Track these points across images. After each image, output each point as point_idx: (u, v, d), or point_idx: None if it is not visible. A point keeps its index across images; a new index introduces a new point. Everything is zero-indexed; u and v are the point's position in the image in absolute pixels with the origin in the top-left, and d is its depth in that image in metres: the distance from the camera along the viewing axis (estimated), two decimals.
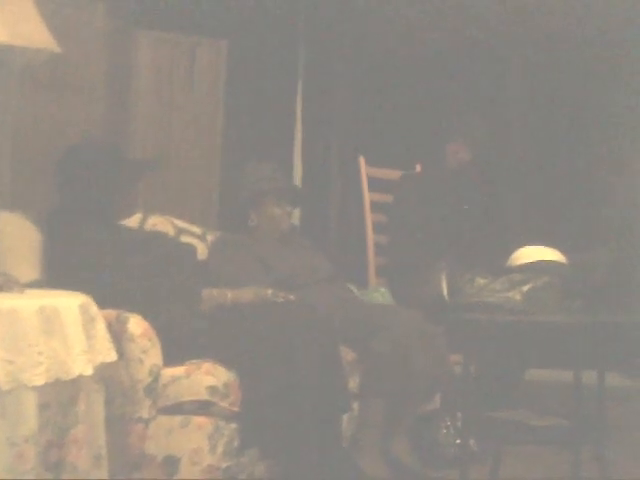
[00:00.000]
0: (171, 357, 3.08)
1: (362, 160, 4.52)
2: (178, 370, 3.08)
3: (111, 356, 2.74)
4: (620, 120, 5.11)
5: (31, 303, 2.48)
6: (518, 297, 3.43)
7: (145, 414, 2.99)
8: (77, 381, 2.59)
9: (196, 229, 3.89)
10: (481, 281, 3.48)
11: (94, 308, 2.68)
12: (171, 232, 3.75)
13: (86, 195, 3.29)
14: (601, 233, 4.87)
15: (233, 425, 3.07)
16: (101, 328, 2.70)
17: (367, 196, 4.49)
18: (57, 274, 3.15)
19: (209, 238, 3.87)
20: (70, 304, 2.58)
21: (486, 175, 4.49)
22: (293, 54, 5.33)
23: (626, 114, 5.07)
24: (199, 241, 3.81)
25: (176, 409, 3.04)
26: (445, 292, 3.61)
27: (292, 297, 3.46)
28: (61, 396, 2.57)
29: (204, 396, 3.06)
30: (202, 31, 4.71)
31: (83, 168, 3.29)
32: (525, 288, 3.44)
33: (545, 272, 3.52)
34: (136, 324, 2.99)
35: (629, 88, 5.07)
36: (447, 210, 4.29)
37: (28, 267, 3.14)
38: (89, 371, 2.60)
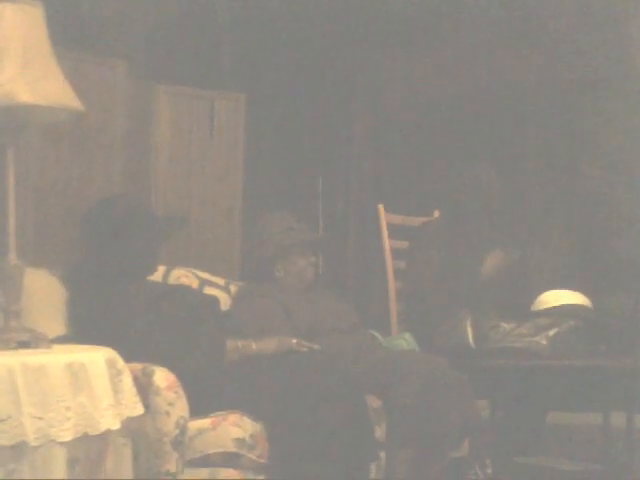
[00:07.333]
0: (196, 409, 3.08)
1: (381, 208, 4.53)
2: (204, 422, 3.07)
3: (138, 410, 2.74)
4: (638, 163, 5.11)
5: (58, 359, 2.49)
6: (544, 342, 3.42)
7: (172, 468, 2.97)
8: (105, 436, 2.59)
9: (219, 280, 3.90)
10: (506, 326, 3.48)
11: (120, 362, 2.69)
12: (195, 284, 3.76)
13: (112, 251, 3.31)
14: (622, 276, 4.86)
15: (261, 477, 3.05)
16: (127, 382, 2.70)
17: (387, 243, 4.49)
18: (83, 329, 3.16)
19: (232, 289, 3.87)
20: (97, 359, 2.59)
21: (502, 220, 4.48)
22: (311, 106, 5.37)
23: None
24: (223, 292, 3.82)
25: (203, 462, 3.03)
26: (471, 339, 3.60)
27: (316, 346, 3.45)
28: (90, 451, 2.56)
29: (231, 448, 3.04)
30: (220, 85, 4.75)
31: (110, 224, 3.31)
32: (551, 332, 3.44)
33: (570, 316, 3.52)
34: (162, 377, 2.98)
35: None
36: (467, 257, 4.28)
37: (54, 323, 3.15)
38: (116, 425, 2.59)
